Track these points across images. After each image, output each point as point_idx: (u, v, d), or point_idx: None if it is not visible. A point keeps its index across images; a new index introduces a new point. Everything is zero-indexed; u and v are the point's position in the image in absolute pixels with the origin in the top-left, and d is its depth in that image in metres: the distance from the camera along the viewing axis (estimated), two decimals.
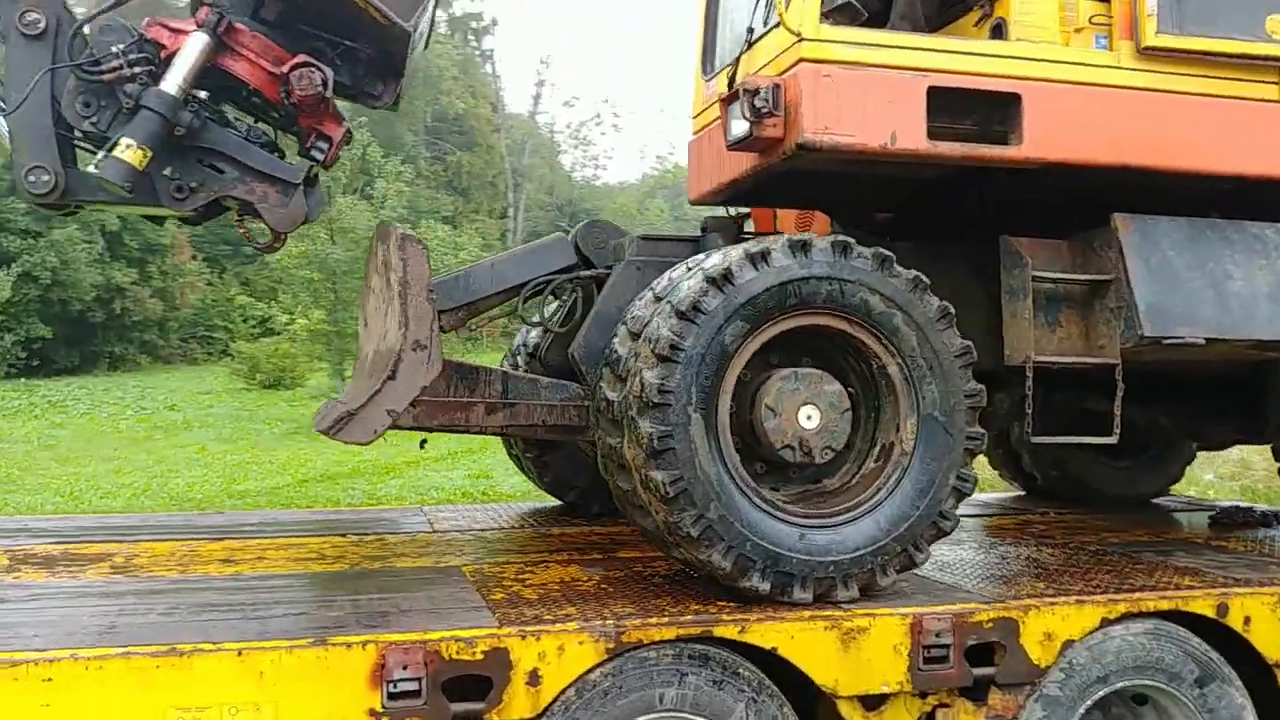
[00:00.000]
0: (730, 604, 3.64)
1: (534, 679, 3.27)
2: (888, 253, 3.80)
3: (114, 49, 3.62)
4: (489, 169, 43.40)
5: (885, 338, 3.78)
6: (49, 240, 26.59)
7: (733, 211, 4.99)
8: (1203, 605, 3.97)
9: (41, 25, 3.64)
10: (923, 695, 3.69)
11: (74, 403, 23.11)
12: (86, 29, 3.71)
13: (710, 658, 3.43)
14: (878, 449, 3.94)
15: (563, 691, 3.30)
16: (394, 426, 3.78)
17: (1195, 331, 4.16)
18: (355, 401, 3.65)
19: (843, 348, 3.88)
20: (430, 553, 4.66)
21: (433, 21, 4.22)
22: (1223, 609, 3.95)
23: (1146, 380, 4.88)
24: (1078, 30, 4.21)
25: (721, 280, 3.59)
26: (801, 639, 3.51)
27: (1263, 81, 4.37)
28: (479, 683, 3.24)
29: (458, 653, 3.21)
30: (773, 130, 3.89)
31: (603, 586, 3.97)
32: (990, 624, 3.70)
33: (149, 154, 3.55)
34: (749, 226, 5.23)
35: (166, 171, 3.70)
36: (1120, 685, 3.86)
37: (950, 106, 3.99)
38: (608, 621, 3.39)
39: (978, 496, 6.93)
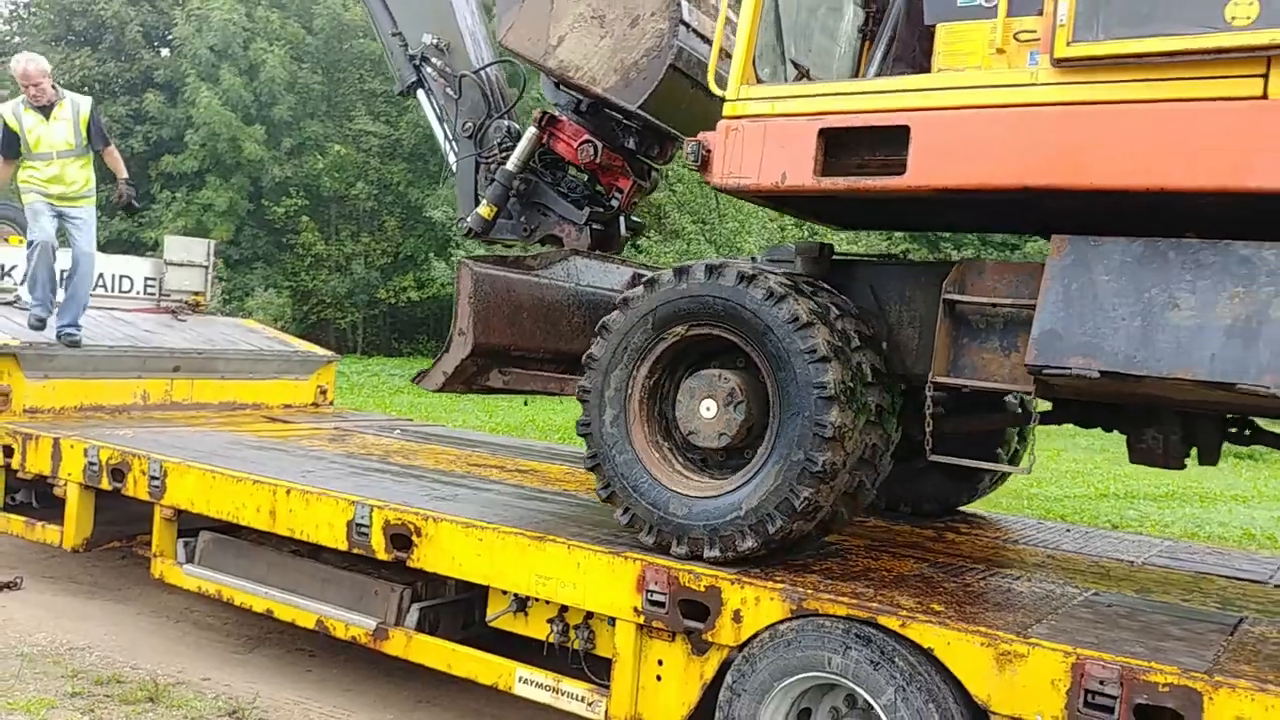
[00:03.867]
0: (901, 600, 4.13)
1: (737, 617, 4.32)
2: (752, 271, 4.44)
3: (494, 142, 5.84)
4: None
5: (751, 341, 4.44)
6: None
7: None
8: None
9: (471, 128, 6.04)
10: None
11: None
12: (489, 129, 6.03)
13: (871, 640, 4.01)
14: (752, 435, 4.62)
15: (759, 633, 4.27)
16: (489, 390, 5.37)
17: (1090, 364, 3.63)
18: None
19: (743, 352, 4.58)
20: None
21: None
22: None
23: None
24: (1000, 51, 4.10)
25: (623, 304, 4.77)
26: (957, 648, 3.85)
27: (1228, 77, 3.48)
28: (703, 610, 4.41)
29: (688, 582, 4.44)
30: (708, 175, 4.71)
31: (879, 572, 4.65)
32: (1166, 688, 3.48)
33: (495, 209, 5.75)
34: None
35: (523, 219, 5.74)
36: None
37: (849, 144, 4.38)
38: (797, 588, 4.22)
39: None
